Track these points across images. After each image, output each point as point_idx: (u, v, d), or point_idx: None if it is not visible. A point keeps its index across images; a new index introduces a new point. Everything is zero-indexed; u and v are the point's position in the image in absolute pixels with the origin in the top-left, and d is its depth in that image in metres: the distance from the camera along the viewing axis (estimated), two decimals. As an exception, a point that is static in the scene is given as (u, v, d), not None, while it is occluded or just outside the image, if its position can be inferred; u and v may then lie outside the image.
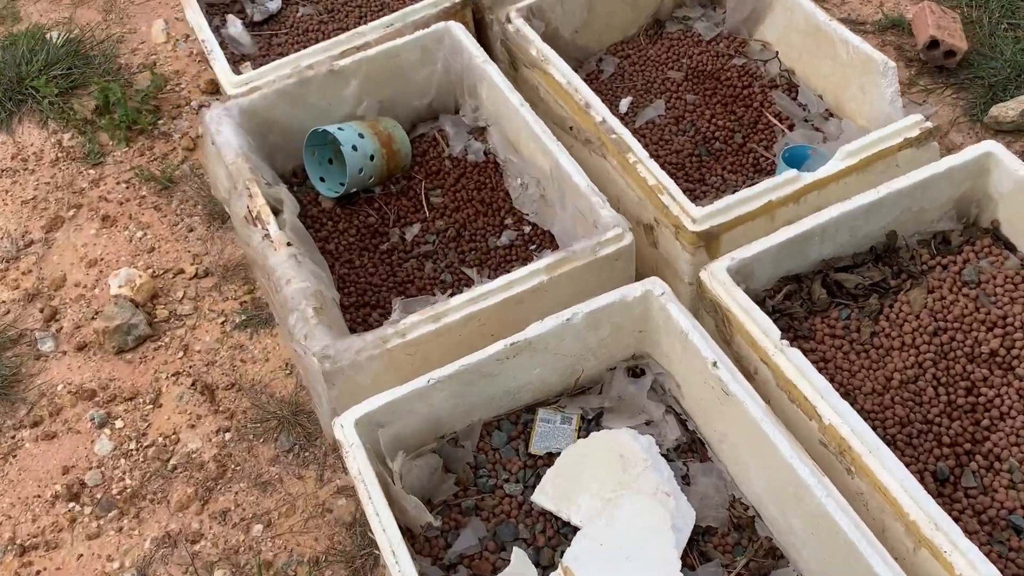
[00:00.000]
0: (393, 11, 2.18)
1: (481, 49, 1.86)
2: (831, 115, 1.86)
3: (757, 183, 1.77)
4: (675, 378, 1.44)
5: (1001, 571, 1.10)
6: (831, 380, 1.39)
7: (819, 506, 1.17)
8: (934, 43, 2.08)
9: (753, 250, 1.44)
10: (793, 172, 1.55)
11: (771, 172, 1.81)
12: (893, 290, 1.50)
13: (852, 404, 1.35)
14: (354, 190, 1.87)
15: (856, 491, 1.24)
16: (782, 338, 1.34)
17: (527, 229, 1.77)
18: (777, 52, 1.95)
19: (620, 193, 1.69)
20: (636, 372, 1.50)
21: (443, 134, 1.97)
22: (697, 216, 1.50)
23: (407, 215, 1.85)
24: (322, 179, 1.91)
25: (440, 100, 1.98)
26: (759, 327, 1.36)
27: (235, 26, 2.17)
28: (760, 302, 1.46)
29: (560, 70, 1.79)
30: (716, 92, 1.96)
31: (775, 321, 1.43)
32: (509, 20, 1.91)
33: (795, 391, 1.30)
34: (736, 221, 1.52)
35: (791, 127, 1.87)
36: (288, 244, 1.55)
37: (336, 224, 1.85)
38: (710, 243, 1.52)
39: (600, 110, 1.70)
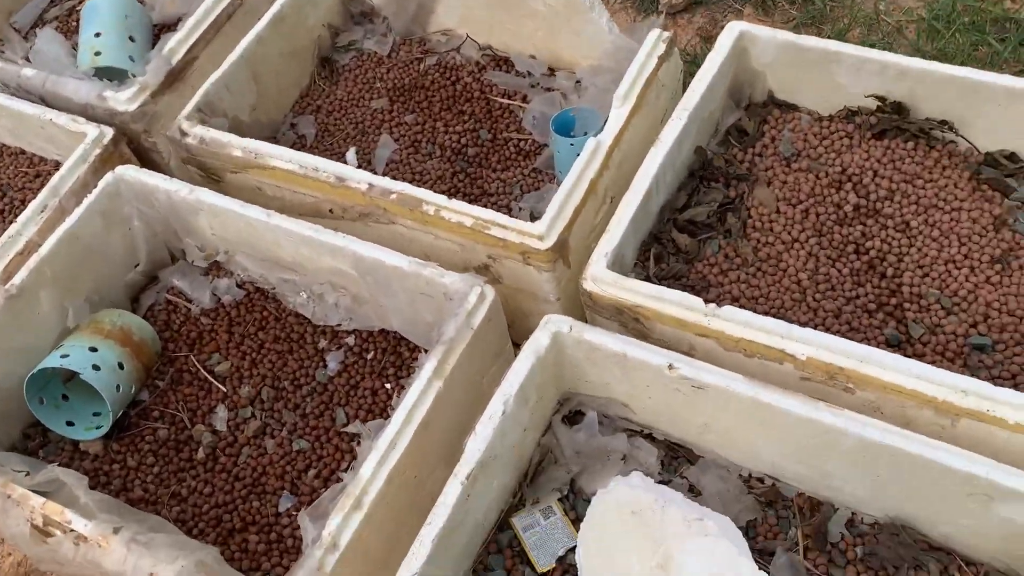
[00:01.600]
0: (21, 190, 1.73)
1: (177, 180, 1.51)
2: (553, 71, 1.77)
3: (534, 167, 1.65)
4: (619, 400, 1.29)
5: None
6: (764, 314, 1.32)
7: (858, 440, 1.09)
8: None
9: (616, 236, 1.31)
10: (592, 141, 1.43)
11: (539, 152, 1.68)
12: (737, 200, 1.46)
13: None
14: (120, 413, 1.45)
15: (863, 403, 1.18)
16: (707, 302, 1.23)
17: (351, 341, 1.49)
18: (467, 34, 1.81)
19: (428, 250, 1.47)
20: (573, 417, 1.33)
21: (176, 291, 1.60)
22: (542, 232, 1.33)
23: (201, 403, 1.48)
24: (70, 423, 1.46)
25: (153, 257, 1.60)
26: (681, 305, 1.24)
27: None
28: (645, 280, 1.35)
29: (286, 157, 1.50)
30: (431, 101, 1.78)
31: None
32: (184, 133, 1.56)
33: (752, 345, 1.20)
34: (574, 216, 1.37)
35: (525, 99, 1.75)
36: (116, 530, 1.15)
37: (124, 464, 1.43)
38: (563, 252, 1.37)
39: (360, 177, 1.45)
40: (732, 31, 1.49)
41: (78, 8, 2.08)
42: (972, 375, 1.24)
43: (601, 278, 1.28)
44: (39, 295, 1.44)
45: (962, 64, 1.64)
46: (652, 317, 1.26)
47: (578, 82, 1.72)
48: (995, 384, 1.16)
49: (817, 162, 1.46)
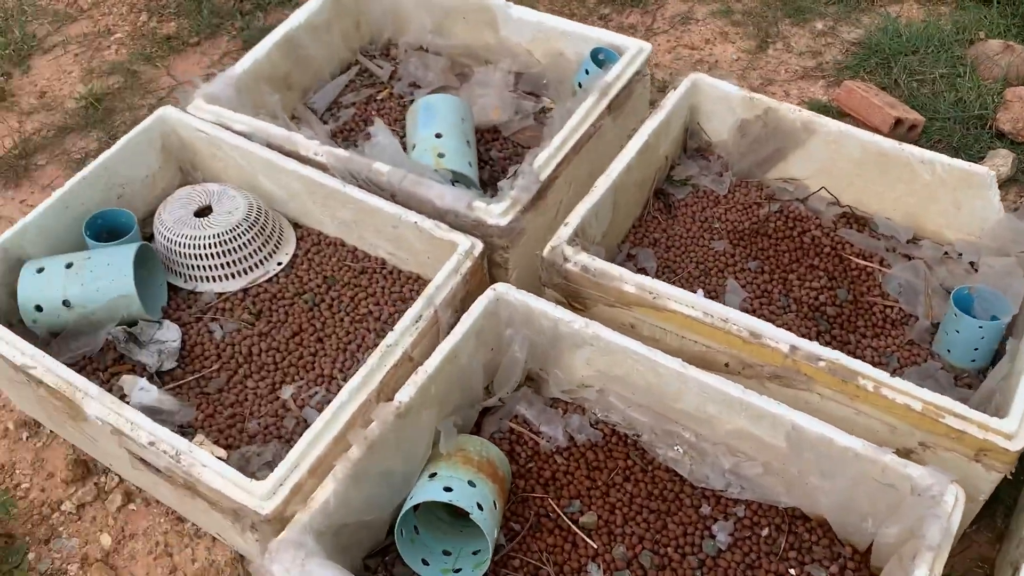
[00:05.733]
0: (347, 285, 1.63)
1: (565, 309, 1.41)
2: (917, 238, 1.69)
3: (910, 339, 1.55)
4: None
5: None
6: None
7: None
8: (898, 122, 2.02)
9: None
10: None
11: (906, 321, 1.58)
12: None
13: None
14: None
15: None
16: None
17: (740, 511, 1.35)
18: (823, 187, 1.74)
19: (843, 424, 1.32)
20: None
21: (520, 420, 1.48)
22: (1012, 431, 1.22)
23: (568, 557, 1.34)
24: (425, 562, 1.32)
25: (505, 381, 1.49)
26: None
27: (145, 391, 1.46)
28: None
29: (688, 302, 1.40)
30: (776, 250, 1.69)
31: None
32: (566, 258, 1.47)
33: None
34: (1031, 414, 1.25)
35: (882, 263, 1.67)
36: None
37: (490, 617, 1.28)
38: None
39: (780, 336, 1.34)
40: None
41: (377, 97, 2.04)
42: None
43: None
44: (421, 415, 1.32)
45: None
46: None
47: (946, 254, 1.64)
48: None
49: None
